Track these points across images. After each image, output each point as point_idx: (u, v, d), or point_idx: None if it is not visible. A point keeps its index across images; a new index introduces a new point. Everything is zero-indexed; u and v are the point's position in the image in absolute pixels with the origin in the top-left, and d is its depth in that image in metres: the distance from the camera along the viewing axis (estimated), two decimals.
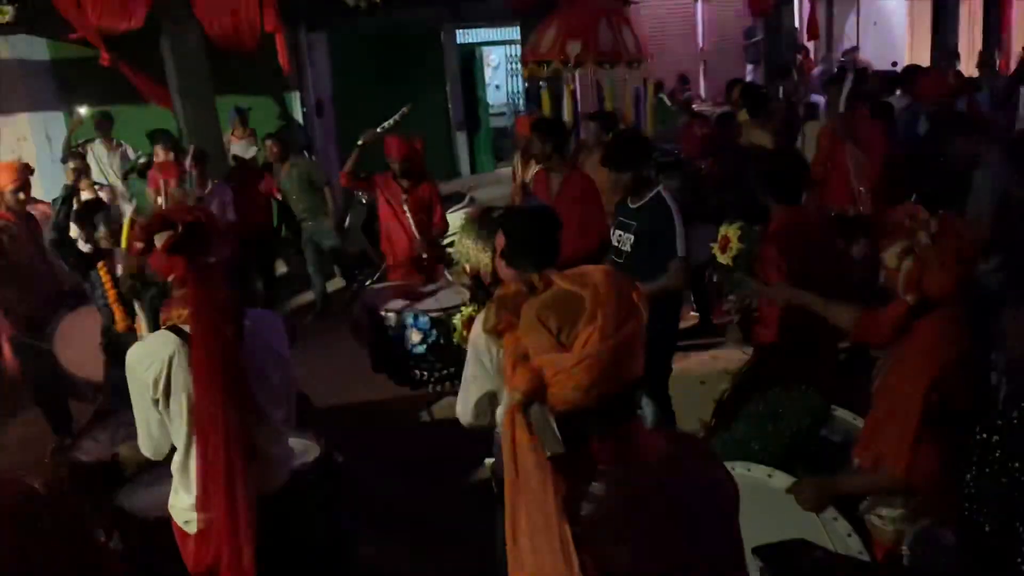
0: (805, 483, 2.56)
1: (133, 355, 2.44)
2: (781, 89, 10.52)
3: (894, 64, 13.80)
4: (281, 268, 9.18)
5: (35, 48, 8.79)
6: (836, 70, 11.69)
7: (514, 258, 2.81)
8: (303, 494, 2.81)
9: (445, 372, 4.99)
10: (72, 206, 4.74)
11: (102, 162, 8.06)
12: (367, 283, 6.02)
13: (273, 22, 7.92)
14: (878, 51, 16.20)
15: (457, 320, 5.01)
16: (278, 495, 2.62)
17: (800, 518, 2.57)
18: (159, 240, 2.31)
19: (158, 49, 7.97)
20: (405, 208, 5.69)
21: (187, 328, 2.39)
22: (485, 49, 14.35)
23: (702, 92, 15.56)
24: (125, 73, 7.98)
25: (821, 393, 3.05)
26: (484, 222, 3.69)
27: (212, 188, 6.70)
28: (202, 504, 2.43)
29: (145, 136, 8.91)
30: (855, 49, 15.85)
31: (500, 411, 2.82)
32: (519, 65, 12.14)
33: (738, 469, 2.67)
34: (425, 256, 5.73)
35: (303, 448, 3.16)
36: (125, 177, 8.12)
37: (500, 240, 2.89)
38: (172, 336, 2.40)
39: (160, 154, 6.69)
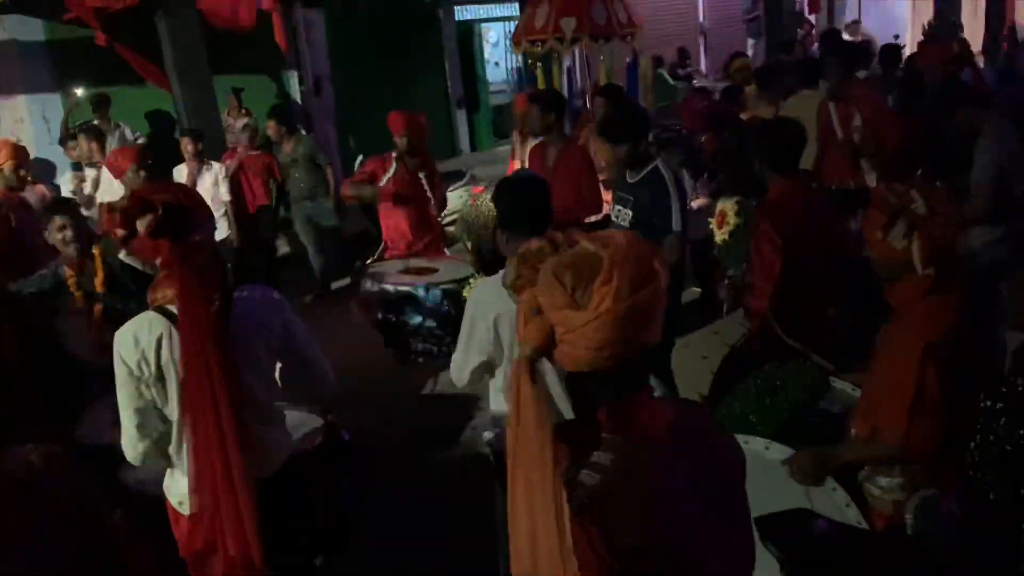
0: (803, 454, 2.56)
1: (120, 336, 2.40)
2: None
3: (896, 37, 13.71)
4: (283, 248, 9.18)
5: (31, 29, 8.73)
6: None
7: (509, 225, 2.83)
8: (304, 475, 2.81)
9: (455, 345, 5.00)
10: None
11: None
12: (368, 262, 6.01)
13: (270, 1, 7.88)
14: (880, 24, 16.09)
15: (468, 292, 5.03)
16: (276, 478, 2.61)
17: (798, 489, 2.57)
18: (141, 225, 2.28)
19: (154, 29, 7.92)
20: (406, 188, 5.65)
21: (173, 308, 2.37)
22: (484, 26, 14.25)
23: (703, 67, 15.49)
24: (121, 53, 7.95)
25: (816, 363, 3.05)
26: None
27: (203, 165, 6.69)
28: (196, 486, 2.42)
29: (143, 116, 8.90)
30: (857, 22, 15.74)
31: (498, 379, 2.85)
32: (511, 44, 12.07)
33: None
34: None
35: (307, 423, 3.16)
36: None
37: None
38: (159, 317, 2.39)
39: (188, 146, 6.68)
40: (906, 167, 6.00)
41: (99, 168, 6.41)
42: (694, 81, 12.87)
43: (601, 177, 5.31)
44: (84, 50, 8.00)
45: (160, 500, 2.63)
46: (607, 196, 5.03)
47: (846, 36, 14.50)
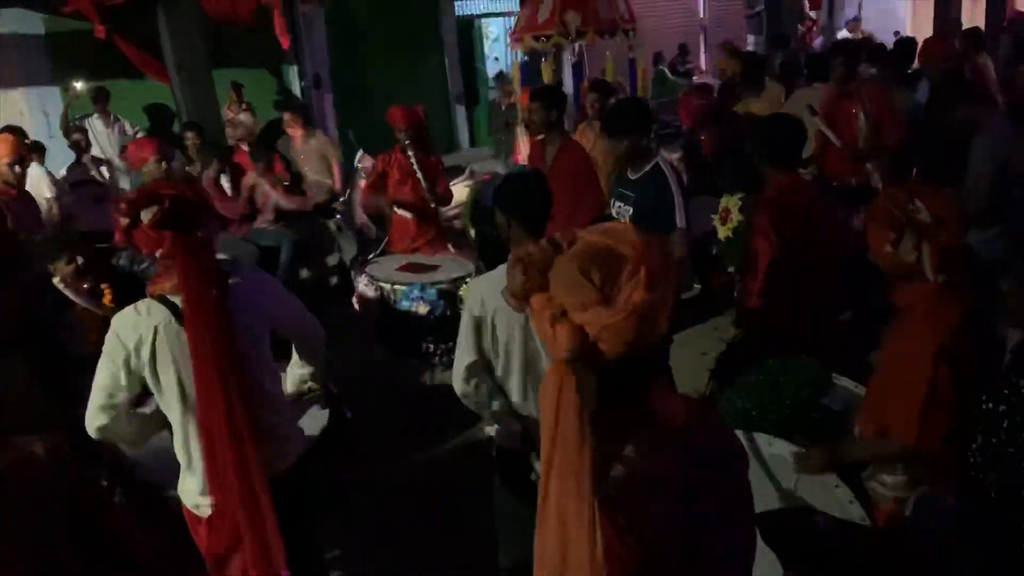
0: (811, 451, 2.56)
1: (118, 320, 2.39)
2: (779, 60, 10.43)
3: (896, 34, 13.69)
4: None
5: (30, 22, 8.71)
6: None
7: (509, 222, 2.84)
8: (315, 468, 2.81)
9: (451, 343, 5.00)
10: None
11: (99, 136, 8.03)
12: (369, 257, 6.00)
13: None
14: (880, 21, 16.07)
15: (464, 291, 5.02)
16: (291, 473, 2.60)
17: (800, 486, 2.57)
18: (145, 216, 2.28)
19: (154, 22, 7.88)
20: (417, 171, 5.62)
21: (174, 299, 2.36)
22: (484, 21, 14.22)
23: (702, 63, 15.46)
24: (121, 47, 7.93)
25: (820, 360, 3.04)
26: None
27: (204, 159, 6.67)
28: (212, 485, 2.41)
29: (142, 110, 8.88)
30: (857, 19, 15.72)
31: (498, 375, 2.84)
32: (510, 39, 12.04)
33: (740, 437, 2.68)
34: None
35: (313, 412, 3.16)
36: (122, 151, 8.10)
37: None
38: (159, 306, 2.38)
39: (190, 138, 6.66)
40: (907, 166, 6.01)
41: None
42: (694, 77, 12.86)
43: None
44: (83, 43, 7.98)
45: (157, 486, 2.62)
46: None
47: (846, 33, 14.50)
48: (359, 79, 11.22)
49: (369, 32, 11.42)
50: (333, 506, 3.03)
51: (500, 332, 2.72)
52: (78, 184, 6.56)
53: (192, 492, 2.51)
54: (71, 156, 6.95)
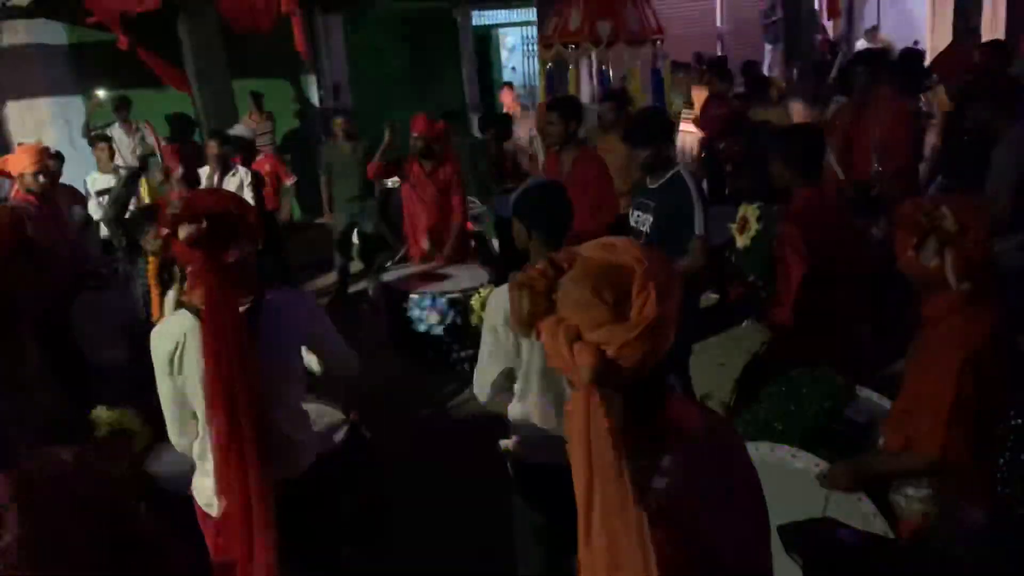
0: (836, 468, 2.54)
1: (154, 334, 2.48)
2: (796, 70, 10.43)
3: (915, 43, 13.63)
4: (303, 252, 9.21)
5: (53, 33, 8.82)
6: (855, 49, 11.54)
7: (530, 232, 2.84)
8: (329, 474, 2.82)
9: (463, 354, 5.00)
10: (137, 186, 4.77)
11: (121, 145, 8.10)
12: (387, 265, 6.03)
13: (289, 5, 7.92)
14: (899, 30, 15.98)
15: (475, 301, 5.02)
16: (303, 479, 2.62)
17: (823, 498, 2.55)
18: (182, 232, 2.31)
19: (175, 33, 7.99)
20: (422, 190, 5.67)
21: (202, 307, 2.40)
22: (501, 31, 14.27)
23: None
24: (142, 57, 8.01)
25: (843, 373, 3.02)
26: None
27: (228, 168, 6.70)
28: (220, 488, 2.44)
29: (163, 119, 8.97)
30: (876, 28, 15.66)
31: (517, 387, 2.84)
32: (536, 47, 12.05)
33: (761, 450, 2.67)
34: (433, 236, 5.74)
35: (325, 415, 3.17)
36: (143, 160, 8.17)
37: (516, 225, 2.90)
38: (188, 315, 2.42)
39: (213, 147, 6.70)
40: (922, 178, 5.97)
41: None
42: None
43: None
44: (105, 53, 8.07)
45: (182, 495, 2.65)
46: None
47: (865, 43, 14.44)
48: (377, 89, 11.28)
49: (387, 42, 11.48)
50: (363, 536, 3.03)
51: (523, 344, 2.71)
52: (103, 192, 6.62)
53: (205, 491, 2.56)
54: (93, 165, 7.01)
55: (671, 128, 4.38)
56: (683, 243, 3.98)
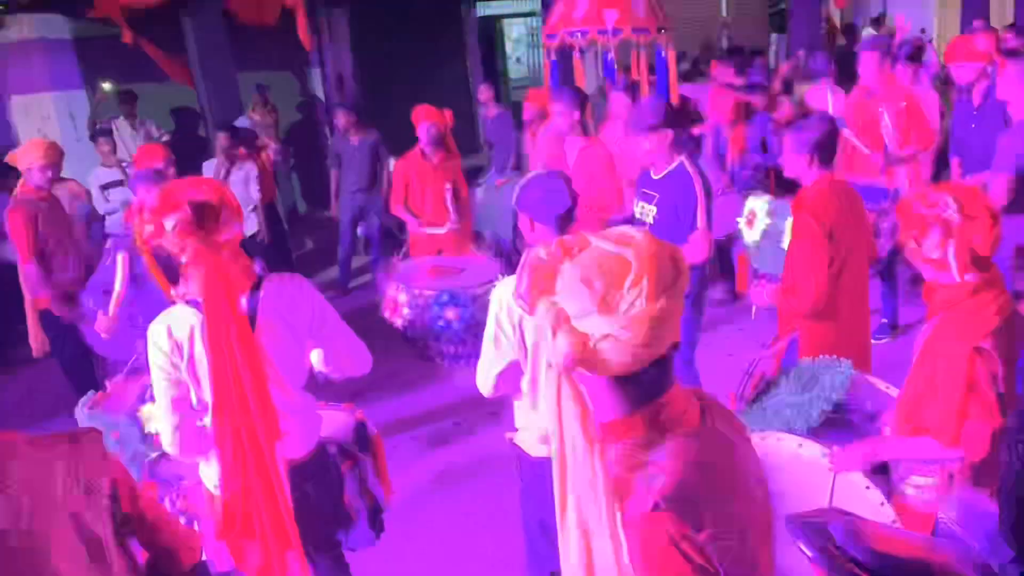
0: (846, 449, 2.53)
1: (153, 329, 2.45)
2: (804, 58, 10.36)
3: (923, 31, 13.55)
4: (307, 244, 9.22)
5: (57, 27, 8.81)
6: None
7: (534, 224, 2.83)
8: (333, 464, 2.82)
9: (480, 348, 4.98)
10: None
11: (126, 140, 8.11)
12: (394, 258, 6.02)
13: None
14: (905, 19, 15.88)
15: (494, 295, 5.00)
16: (305, 464, 2.63)
17: (831, 487, 2.55)
18: (168, 224, 2.31)
19: (179, 27, 7.98)
20: (432, 184, 5.66)
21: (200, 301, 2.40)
22: (506, 22, 14.24)
23: None
24: (147, 51, 8.01)
25: (853, 360, 3.01)
26: None
27: (234, 164, 6.71)
28: (223, 473, 2.46)
29: (168, 113, 8.97)
30: (883, 16, 15.57)
31: (524, 382, 2.83)
32: (540, 37, 12.01)
33: (769, 438, 2.66)
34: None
35: (335, 419, 3.16)
36: None
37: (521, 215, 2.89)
38: (190, 310, 2.43)
39: (222, 140, 6.71)
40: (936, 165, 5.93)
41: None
42: (713, 75, 12.78)
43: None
44: (110, 47, 8.06)
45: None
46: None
47: (871, 31, 14.35)
48: (382, 81, 11.27)
49: (392, 34, 11.46)
50: (371, 530, 3.03)
51: (528, 337, 2.70)
52: (108, 186, 6.63)
53: (213, 475, 2.58)
54: (98, 159, 7.01)
55: (674, 118, 4.35)
56: (686, 234, 3.96)
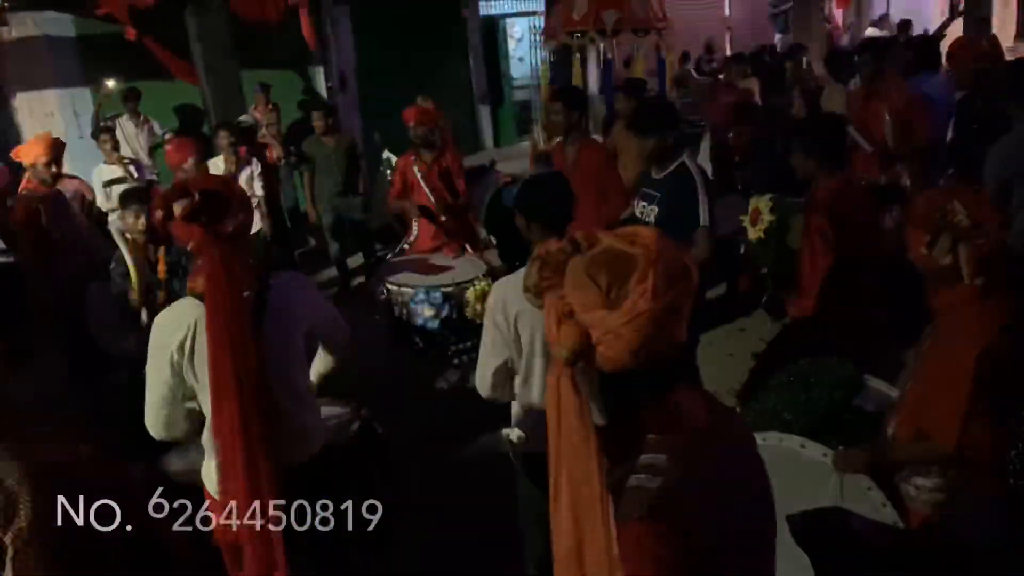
0: (850, 451, 2.54)
1: (159, 321, 2.47)
2: (805, 59, 10.36)
3: (925, 31, 13.54)
4: (310, 242, 9.22)
5: (61, 24, 8.82)
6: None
7: (529, 224, 2.84)
8: (340, 465, 2.83)
9: (461, 346, 5.00)
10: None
11: (129, 137, 8.13)
12: (388, 257, 6.03)
13: None
14: (908, 18, 15.87)
15: (470, 294, 5.01)
16: (311, 464, 2.64)
17: (834, 488, 2.55)
18: (177, 208, 2.33)
19: (183, 24, 7.98)
20: (422, 182, 5.66)
21: None
22: (508, 21, 14.24)
23: None
24: (150, 48, 8.02)
25: (855, 362, 3.02)
26: None
27: (240, 161, 6.72)
28: (222, 472, 2.44)
29: (171, 111, 8.97)
30: (886, 16, 15.57)
31: (518, 381, 2.84)
32: (543, 37, 12.02)
33: (770, 439, 2.66)
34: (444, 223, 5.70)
35: (341, 417, 3.17)
36: (152, 152, 8.19)
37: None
38: (196, 302, 2.43)
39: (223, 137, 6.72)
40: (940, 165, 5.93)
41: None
42: (720, 76, 12.80)
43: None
44: (113, 45, 8.07)
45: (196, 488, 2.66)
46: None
47: (874, 31, 14.35)
48: (385, 80, 11.27)
49: (395, 33, 11.45)
50: (380, 536, 3.04)
51: (523, 334, 2.71)
52: (110, 183, 6.64)
53: (212, 476, 2.57)
54: (101, 156, 7.03)
55: (676, 118, 4.35)
56: (688, 234, 3.96)
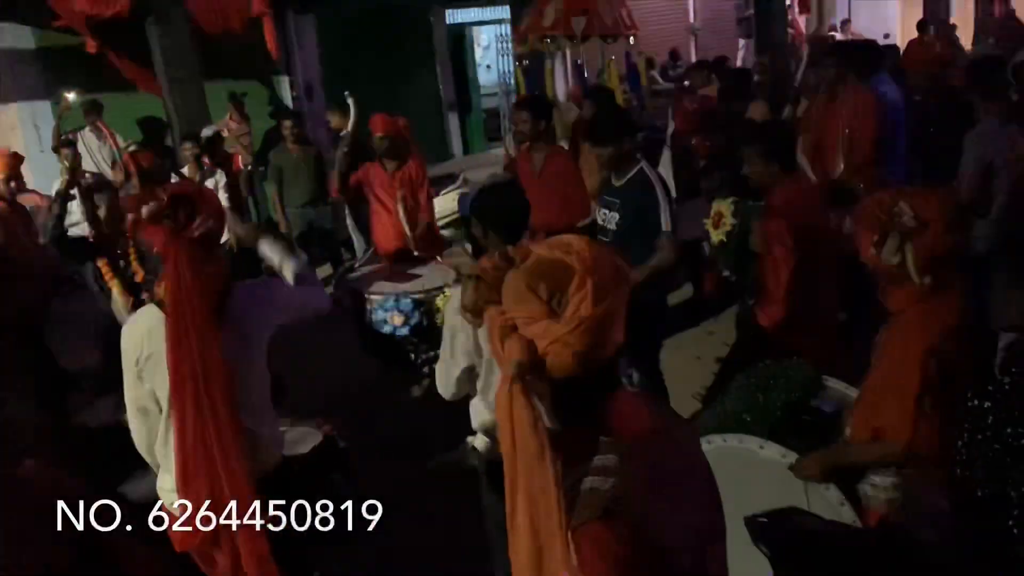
0: (807, 458, 2.57)
1: (124, 334, 2.48)
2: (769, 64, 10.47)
3: (886, 36, 13.78)
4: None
5: (21, 36, 8.71)
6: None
7: (486, 232, 2.86)
8: (301, 476, 2.82)
9: (432, 354, 4.98)
10: (67, 200, 4.78)
11: (92, 150, 8.04)
12: (356, 266, 5.99)
13: (261, 5, 7.88)
14: (870, 23, 16.14)
15: (440, 301, 5.00)
16: (272, 476, 2.62)
17: (791, 488, 2.58)
18: (145, 210, 2.34)
19: (145, 35, 7.91)
20: (388, 194, 5.64)
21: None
22: (475, 29, 14.26)
23: None
24: (112, 60, 7.94)
25: (815, 363, 3.06)
26: None
27: (203, 172, 6.68)
28: (182, 482, 2.43)
29: (134, 123, 8.88)
30: (848, 22, 15.80)
31: (479, 384, 2.85)
32: (510, 45, 12.05)
33: (730, 441, 2.69)
34: (415, 240, 5.68)
35: (306, 434, 3.17)
36: (114, 165, 8.11)
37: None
38: (155, 310, 2.43)
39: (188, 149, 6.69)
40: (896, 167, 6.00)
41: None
42: (685, 82, 12.91)
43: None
44: (75, 57, 7.99)
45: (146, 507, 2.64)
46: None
47: (837, 36, 14.55)
48: (351, 89, 11.21)
49: (361, 42, 11.43)
50: (340, 541, 3.03)
51: (483, 342, 2.72)
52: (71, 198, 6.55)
53: (168, 490, 2.55)
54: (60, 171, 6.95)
55: (632, 125, 4.39)
56: (651, 240, 4.00)
